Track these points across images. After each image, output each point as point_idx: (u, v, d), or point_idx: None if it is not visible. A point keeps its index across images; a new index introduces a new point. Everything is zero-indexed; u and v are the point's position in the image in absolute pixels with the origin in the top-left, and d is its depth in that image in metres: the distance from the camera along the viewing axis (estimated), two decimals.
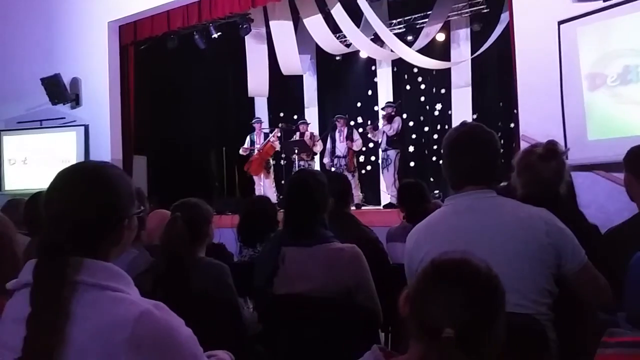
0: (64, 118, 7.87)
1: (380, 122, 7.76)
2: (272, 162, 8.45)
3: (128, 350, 0.95)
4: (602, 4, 4.75)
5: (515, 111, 5.62)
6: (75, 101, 7.85)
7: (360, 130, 8.20)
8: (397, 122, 7.48)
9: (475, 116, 8.15)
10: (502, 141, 7.86)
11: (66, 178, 1.08)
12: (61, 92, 7.68)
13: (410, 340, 1.03)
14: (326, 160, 8.05)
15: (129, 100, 7.89)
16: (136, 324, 0.97)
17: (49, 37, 7.92)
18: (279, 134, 8.16)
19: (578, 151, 4.76)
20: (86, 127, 7.68)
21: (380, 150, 7.97)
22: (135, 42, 7.89)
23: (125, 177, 1.14)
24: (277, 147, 8.15)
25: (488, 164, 1.70)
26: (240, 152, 8.30)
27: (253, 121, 8.59)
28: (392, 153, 7.45)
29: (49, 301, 0.97)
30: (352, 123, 8.54)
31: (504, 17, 6.82)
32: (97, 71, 7.71)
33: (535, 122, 5.03)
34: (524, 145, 4.33)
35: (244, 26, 7.77)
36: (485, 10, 7.74)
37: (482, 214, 1.62)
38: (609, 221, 2.27)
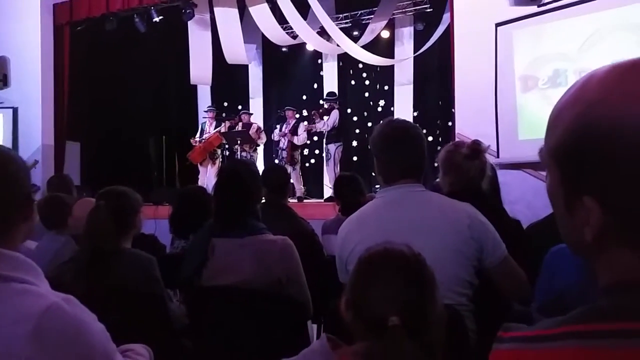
0: None
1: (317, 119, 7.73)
2: (219, 152, 8.30)
3: (31, 345, 0.90)
4: (536, 9, 4.97)
5: (453, 110, 5.79)
6: (3, 82, 7.38)
7: (306, 123, 8.20)
8: (333, 116, 7.48)
9: (416, 113, 8.35)
10: (440, 139, 8.07)
11: None
12: None
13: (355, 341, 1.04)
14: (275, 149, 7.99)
15: (62, 83, 7.51)
16: (41, 318, 0.92)
17: None
18: (228, 125, 8.05)
19: (509, 150, 4.98)
20: (14, 110, 7.25)
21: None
22: (71, 22, 7.52)
23: (15, 154, 1.09)
24: (222, 140, 8.04)
25: (420, 158, 1.75)
26: (192, 142, 8.10)
27: (205, 109, 8.41)
28: (331, 147, 7.48)
29: None
30: (297, 116, 8.53)
31: (446, 17, 7.00)
32: (28, 51, 7.29)
33: (470, 121, 5.21)
34: None
35: (187, 11, 7.57)
36: (428, 10, 7.92)
37: (410, 207, 1.67)
38: (536, 217, 2.38)
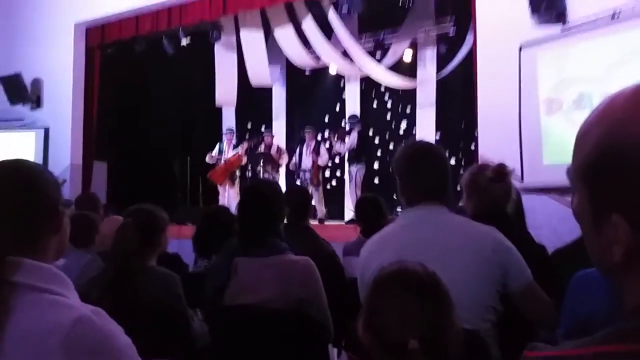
0: (23, 119, 7.64)
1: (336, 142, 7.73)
2: (237, 173, 8.40)
3: (61, 355, 0.93)
4: (560, 30, 4.94)
5: (476, 133, 5.76)
6: (36, 102, 7.64)
7: (327, 145, 8.24)
8: (352, 138, 7.49)
9: (438, 136, 8.31)
10: (462, 162, 7.99)
11: None
12: (21, 92, 7.47)
13: None
14: (292, 169, 8.05)
15: (92, 104, 7.73)
16: (71, 329, 0.95)
17: (11, 34, 7.70)
18: (247, 146, 8.14)
19: (533, 175, 4.90)
20: (46, 130, 7.47)
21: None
22: (102, 45, 7.76)
23: (45, 169, 1.14)
24: (244, 161, 8.12)
25: (443, 179, 1.75)
26: (207, 159, 8.21)
27: (225, 131, 8.54)
28: (353, 168, 7.49)
29: None
30: (319, 137, 8.59)
31: (469, 39, 7.02)
32: (60, 72, 7.54)
33: (493, 145, 5.17)
34: None
35: (214, 34, 7.74)
36: (451, 32, 7.95)
37: (433, 228, 1.66)
38: (561, 242, 2.33)
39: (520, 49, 5.14)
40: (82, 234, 2.62)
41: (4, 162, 1.09)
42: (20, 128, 7.57)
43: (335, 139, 7.67)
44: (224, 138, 8.41)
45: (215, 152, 8.26)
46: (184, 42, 7.83)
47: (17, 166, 1.09)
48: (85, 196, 4.35)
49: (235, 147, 8.26)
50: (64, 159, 7.38)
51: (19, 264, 0.99)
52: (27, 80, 7.51)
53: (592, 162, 0.57)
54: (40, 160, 7.24)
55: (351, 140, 7.48)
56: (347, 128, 7.71)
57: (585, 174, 0.58)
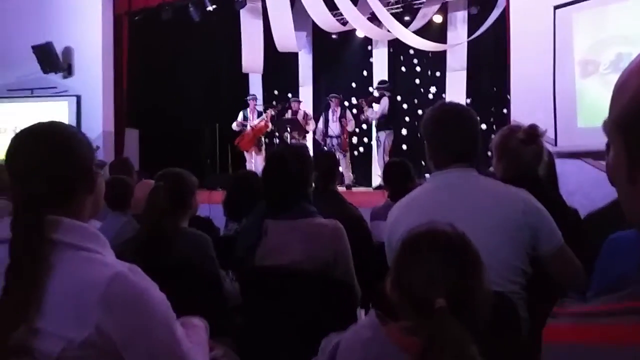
0: (56, 87, 7.79)
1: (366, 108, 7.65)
2: (264, 140, 8.43)
3: (99, 310, 0.97)
4: None
5: (508, 96, 5.62)
6: (68, 71, 7.76)
7: (354, 111, 8.15)
8: (382, 104, 7.39)
9: (469, 100, 8.13)
10: (494, 126, 7.82)
11: (24, 138, 1.10)
12: (53, 60, 7.58)
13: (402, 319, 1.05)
14: (318, 138, 8.04)
15: (121, 72, 7.81)
16: (109, 285, 0.99)
17: (41, 4, 7.79)
18: (272, 113, 8.13)
19: (567, 138, 4.79)
20: (78, 98, 7.61)
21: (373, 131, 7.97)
22: (130, 12, 7.78)
23: (78, 130, 1.18)
24: (270, 127, 8.13)
25: (473, 141, 1.72)
26: (234, 126, 8.24)
27: (248, 97, 8.54)
28: (382, 135, 7.42)
29: (29, 255, 0.98)
30: (346, 104, 8.50)
31: (502, 0, 6.77)
32: (90, 41, 7.62)
33: (526, 108, 5.05)
34: None
35: None
36: None
37: (462, 190, 1.65)
38: (595, 207, 2.29)
39: (554, 9, 4.94)
40: (117, 198, 2.70)
41: (38, 124, 1.13)
42: (54, 96, 7.72)
43: (366, 105, 7.59)
44: (249, 104, 8.41)
45: (240, 118, 8.28)
46: (210, 8, 7.78)
47: (51, 128, 1.12)
48: (119, 161, 4.45)
49: (259, 113, 8.26)
50: (97, 126, 7.53)
51: (58, 223, 1.03)
52: (59, 49, 7.62)
53: (630, 113, 0.55)
54: None
55: (382, 106, 7.39)
56: (377, 94, 7.60)
57: (621, 125, 0.57)
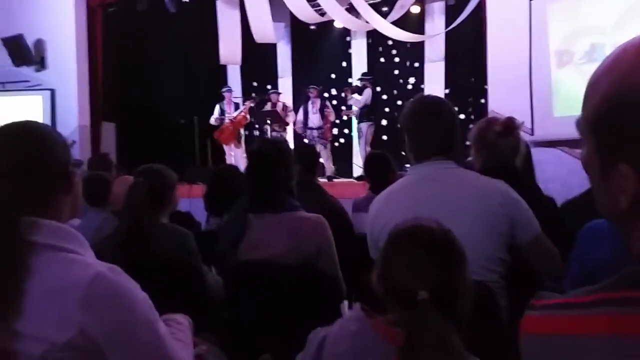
0: (29, 81, 7.59)
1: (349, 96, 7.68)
2: (243, 132, 8.36)
3: (81, 311, 0.96)
4: None
5: (486, 87, 5.68)
6: (41, 64, 7.57)
7: (334, 102, 8.15)
8: (366, 95, 7.43)
9: (447, 91, 8.20)
10: (472, 116, 7.92)
11: None
12: (25, 54, 7.39)
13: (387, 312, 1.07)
14: (298, 130, 8.02)
15: (96, 65, 7.66)
16: (90, 286, 0.98)
17: None
18: (252, 105, 8.06)
19: (544, 127, 4.87)
20: (52, 92, 7.44)
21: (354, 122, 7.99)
22: (104, 3, 7.62)
23: (54, 130, 1.16)
24: (249, 119, 8.06)
25: (451, 135, 1.74)
26: (212, 121, 8.14)
27: (223, 90, 8.43)
28: (363, 126, 7.45)
29: (5, 257, 0.97)
30: (325, 95, 8.49)
31: None
32: (63, 33, 7.43)
33: (504, 98, 5.11)
34: None
35: None
36: None
37: (442, 183, 1.67)
38: (571, 195, 2.34)
39: (530, 1, 5.00)
40: (96, 194, 2.67)
41: (13, 123, 1.10)
42: (27, 90, 7.53)
43: (350, 94, 7.61)
44: (224, 97, 8.32)
45: (216, 112, 8.16)
46: None
47: (26, 128, 1.10)
48: (97, 157, 4.39)
49: (237, 105, 8.18)
50: (72, 120, 7.38)
51: (36, 224, 1.01)
52: (30, 41, 7.43)
53: (601, 112, 0.57)
54: (48, 123, 7.23)
55: (365, 97, 7.43)
56: (359, 85, 7.62)
57: (593, 124, 0.58)
